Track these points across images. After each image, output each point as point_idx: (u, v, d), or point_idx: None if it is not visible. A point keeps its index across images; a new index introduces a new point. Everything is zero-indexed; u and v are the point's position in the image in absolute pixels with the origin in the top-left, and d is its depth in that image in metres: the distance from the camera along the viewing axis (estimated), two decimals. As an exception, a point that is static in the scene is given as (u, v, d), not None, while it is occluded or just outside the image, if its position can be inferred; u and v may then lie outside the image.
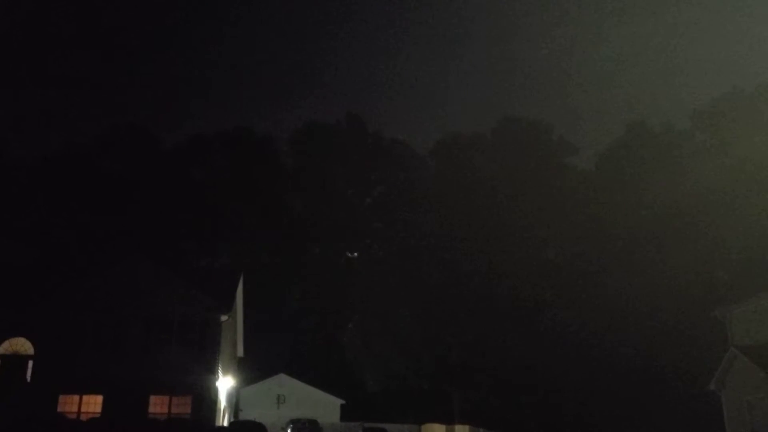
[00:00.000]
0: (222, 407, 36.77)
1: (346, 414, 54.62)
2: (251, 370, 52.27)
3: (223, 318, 34.01)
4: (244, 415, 48.87)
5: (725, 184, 54.37)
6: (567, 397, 51.12)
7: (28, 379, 32.83)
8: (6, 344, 33.49)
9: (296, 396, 53.76)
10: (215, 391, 33.25)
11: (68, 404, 31.92)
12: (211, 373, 32.90)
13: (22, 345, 33.50)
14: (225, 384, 37.08)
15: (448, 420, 52.33)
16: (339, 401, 54.75)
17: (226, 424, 38.04)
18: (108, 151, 72.20)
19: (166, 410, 32.11)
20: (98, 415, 31.41)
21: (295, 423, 47.12)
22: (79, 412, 31.77)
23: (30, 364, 33.08)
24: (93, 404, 31.91)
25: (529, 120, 71.09)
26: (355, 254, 77.86)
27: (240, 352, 47.76)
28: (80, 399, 32.06)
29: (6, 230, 59.14)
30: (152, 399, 32.13)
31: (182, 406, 32.29)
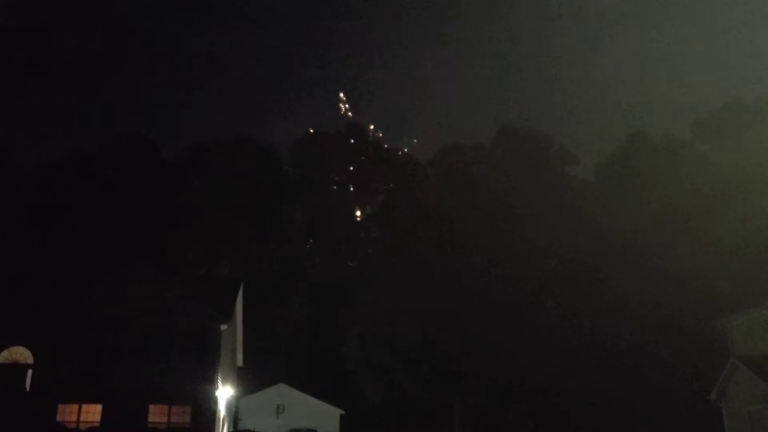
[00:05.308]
0: (221, 417, 36.65)
1: (345, 424, 54.36)
2: (251, 380, 52.11)
3: (223, 327, 33.96)
4: (243, 425, 48.63)
5: (725, 194, 54.37)
6: (568, 406, 50.98)
7: (28, 388, 32.76)
8: (5, 353, 33.43)
9: (295, 406, 53.46)
10: (215, 400, 33.15)
11: (67, 413, 31.85)
12: (211, 382, 32.82)
13: (22, 354, 33.45)
14: (224, 393, 36.97)
15: (449, 429, 52.18)
16: (338, 411, 54.48)
17: (225, 433, 37.94)
18: (109, 159, 72.27)
19: (165, 419, 32.05)
20: (97, 425, 31.35)
21: (295, 433, 46.97)
22: (78, 422, 31.70)
23: (29, 373, 33.02)
24: (92, 413, 31.84)
25: (529, 129, 71.26)
26: (356, 263, 77.83)
27: (239, 361, 47.64)
28: (79, 408, 31.99)
29: (6, 238, 59.07)
30: (151, 408, 32.06)
31: (181, 416, 32.23)
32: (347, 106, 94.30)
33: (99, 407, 31.86)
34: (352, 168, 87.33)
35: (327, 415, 53.56)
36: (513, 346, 50.11)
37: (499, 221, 58.82)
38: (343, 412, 54.46)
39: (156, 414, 32.05)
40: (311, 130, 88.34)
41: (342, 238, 76.03)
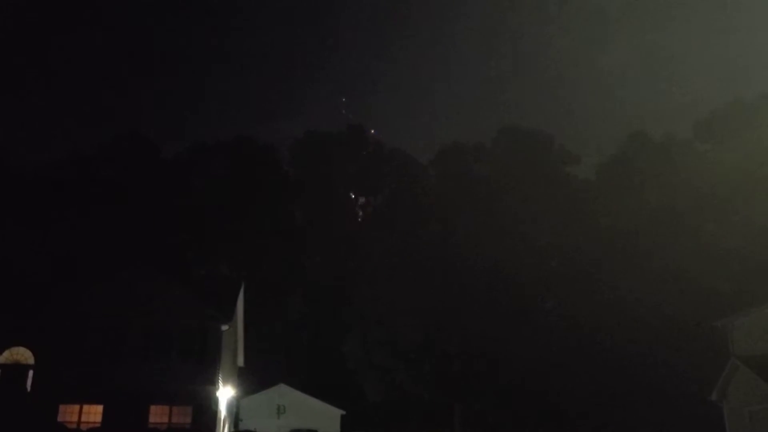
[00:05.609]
0: (222, 417, 36.65)
1: (346, 424, 54.38)
2: (251, 380, 52.10)
3: (224, 327, 33.96)
4: (244, 426, 48.68)
5: (726, 194, 54.39)
6: (568, 406, 50.98)
7: (28, 388, 32.77)
8: (6, 354, 33.44)
9: (296, 406, 53.50)
10: (215, 401, 33.15)
11: (68, 414, 31.87)
12: (212, 383, 32.82)
13: (23, 354, 33.46)
14: (225, 394, 36.97)
15: (450, 429, 52.16)
16: (339, 412, 54.52)
17: (226, 434, 37.92)
18: (109, 159, 72.18)
19: (166, 420, 32.05)
20: (98, 425, 31.36)
21: (296, 434, 47.05)
22: (79, 422, 31.71)
23: (30, 373, 33.03)
24: (93, 414, 31.86)
25: (529, 129, 71.16)
26: (356, 263, 77.69)
27: (240, 361, 47.62)
28: (80, 409, 32.00)
29: (7, 238, 59.04)
30: (152, 409, 32.07)
31: (182, 416, 32.23)
32: (347, 106, 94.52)
33: (100, 408, 31.87)
34: (352, 168, 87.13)
35: (327, 416, 53.58)
36: (513, 346, 50.13)
37: (499, 221, 58.79)
38: (343, 412, 54.50)
39: (157, 414, 32.06)
40: (311, 130, 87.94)
41: (342, 238, 75.90)
